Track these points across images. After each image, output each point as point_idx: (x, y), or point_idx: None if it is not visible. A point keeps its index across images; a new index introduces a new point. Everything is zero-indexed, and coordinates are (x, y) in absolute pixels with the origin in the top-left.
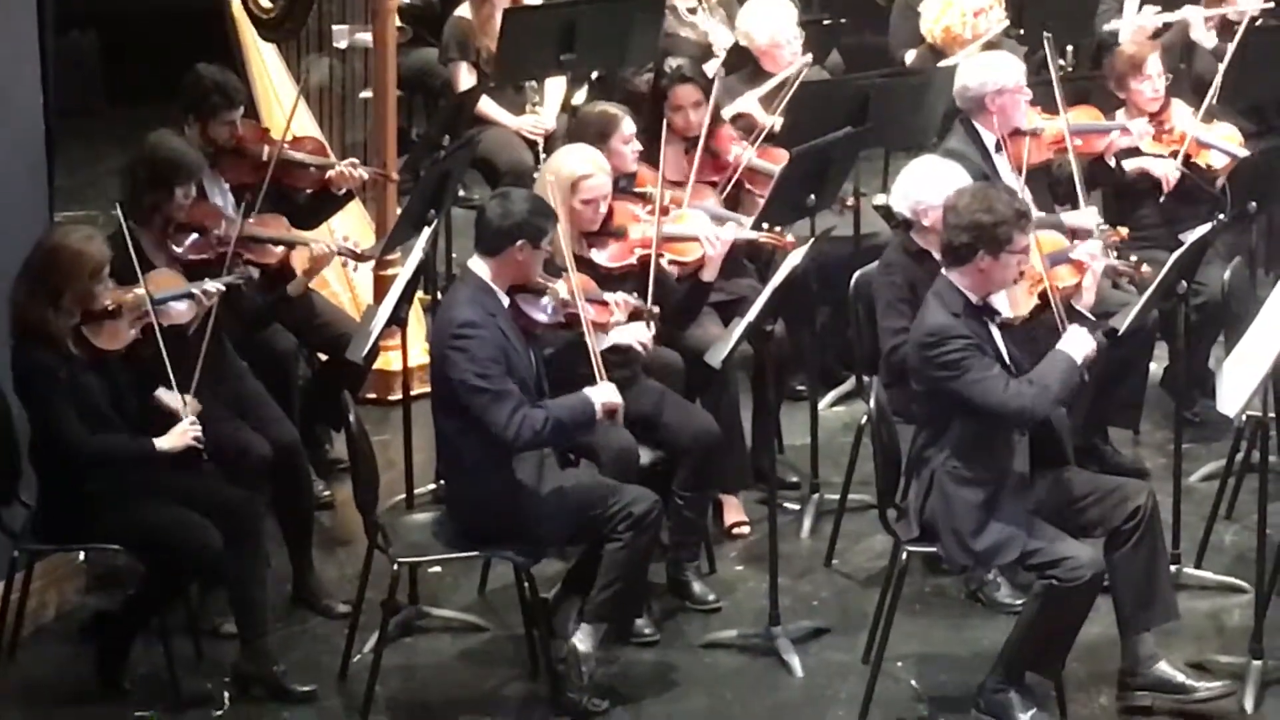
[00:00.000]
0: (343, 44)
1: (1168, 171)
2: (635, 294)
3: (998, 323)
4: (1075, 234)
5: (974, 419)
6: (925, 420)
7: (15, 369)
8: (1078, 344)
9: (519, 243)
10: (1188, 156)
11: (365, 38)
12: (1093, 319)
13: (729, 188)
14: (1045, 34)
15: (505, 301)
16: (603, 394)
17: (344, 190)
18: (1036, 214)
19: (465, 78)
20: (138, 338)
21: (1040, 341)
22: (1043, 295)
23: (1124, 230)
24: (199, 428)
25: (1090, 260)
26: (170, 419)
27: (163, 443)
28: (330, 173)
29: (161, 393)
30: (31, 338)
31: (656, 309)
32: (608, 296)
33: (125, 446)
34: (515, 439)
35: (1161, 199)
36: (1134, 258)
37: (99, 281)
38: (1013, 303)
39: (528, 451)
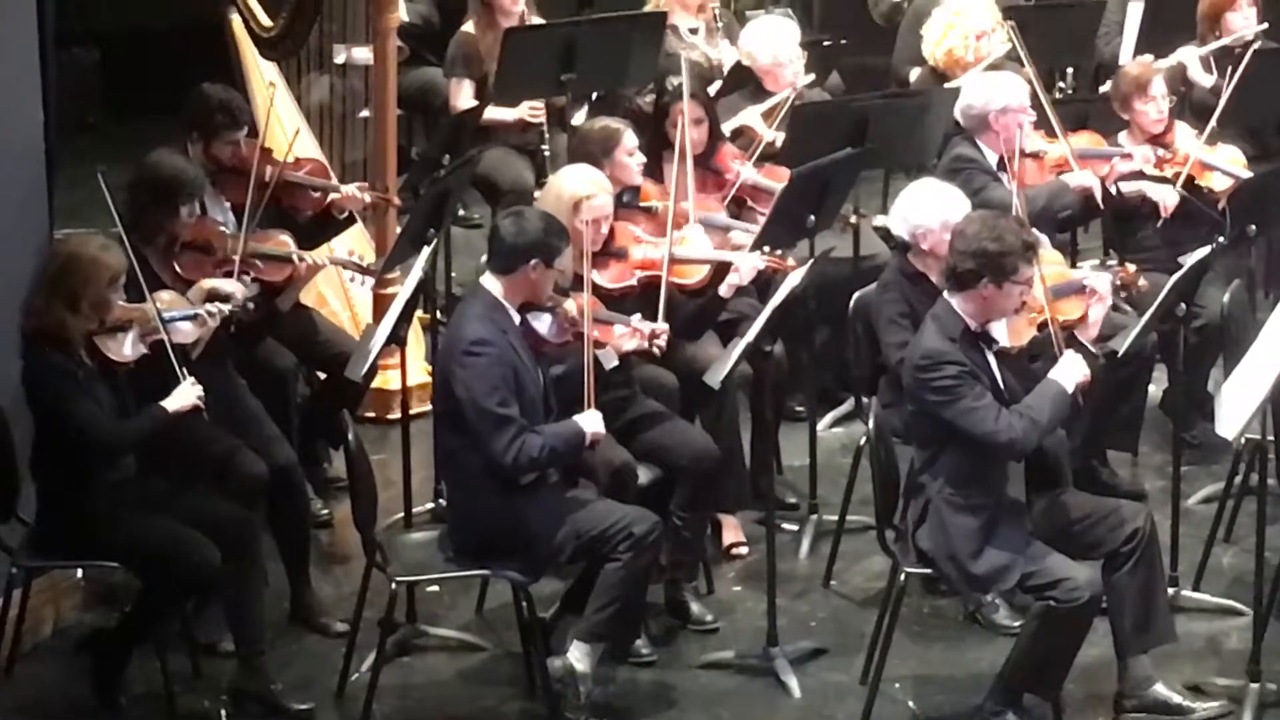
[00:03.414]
0: (340, 60)
1: (1165, 197)
2: (640, 315)
3: (994, 351)
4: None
5: (967, 445)
6: (921, 441)
7: (29, 373)
8: (1070, 371)
9: (532, 262)
10: (1190, 179)
11: (365, 55)
12: (1094, 352)
13: (728, 204)
14: (1026, 68)
15: (516, 319)
16: (591, 423)
17: (345, 213)
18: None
19: (466, 94)
20: (145, 354)
21: (1038, 374)
22: (1042, 327)
23: (1133, 268)
24: (200, 388)
25: (1096, 296)
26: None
27: (170, 403)
28: (334, 196)
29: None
30: (47, 343)
31: (666, 328)
32: (617, 319)
33: (140, 425)
34: (514, 465)
35: (1160, 223)
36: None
37: (115, 290)
38: (1012, 332)
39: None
